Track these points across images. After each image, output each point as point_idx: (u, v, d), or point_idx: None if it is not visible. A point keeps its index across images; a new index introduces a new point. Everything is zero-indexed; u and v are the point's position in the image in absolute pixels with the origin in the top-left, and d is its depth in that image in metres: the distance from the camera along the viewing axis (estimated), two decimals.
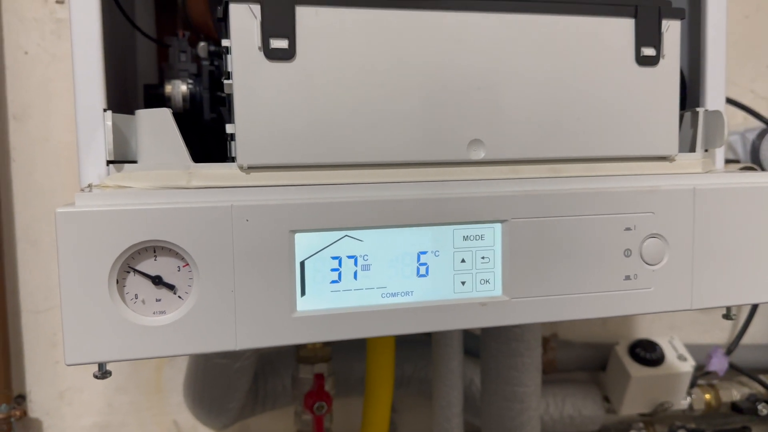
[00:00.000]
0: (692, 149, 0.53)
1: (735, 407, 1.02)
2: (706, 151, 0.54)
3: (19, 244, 0.86)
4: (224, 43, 0.43)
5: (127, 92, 0.64)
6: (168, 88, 0.60)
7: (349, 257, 0.43)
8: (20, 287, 0.86)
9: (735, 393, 1.02)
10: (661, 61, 0.49)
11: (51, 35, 0.85)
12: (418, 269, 0.45)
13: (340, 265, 0.43)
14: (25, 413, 0.87)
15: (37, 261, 0.86)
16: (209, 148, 0.56)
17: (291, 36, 0.42)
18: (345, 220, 0.43)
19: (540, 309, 0.46)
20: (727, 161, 1.01)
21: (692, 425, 1.03)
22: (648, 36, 0.48)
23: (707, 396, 1.01)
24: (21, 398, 0.87)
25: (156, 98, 0.61)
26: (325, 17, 0.43)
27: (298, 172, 0.44)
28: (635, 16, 0.48)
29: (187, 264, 0.41)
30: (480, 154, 0.46)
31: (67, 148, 0.86)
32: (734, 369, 1.03)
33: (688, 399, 1.00)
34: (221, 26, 0.46)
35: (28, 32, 0.84)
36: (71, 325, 0.39)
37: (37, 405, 0.89)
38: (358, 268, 0.44)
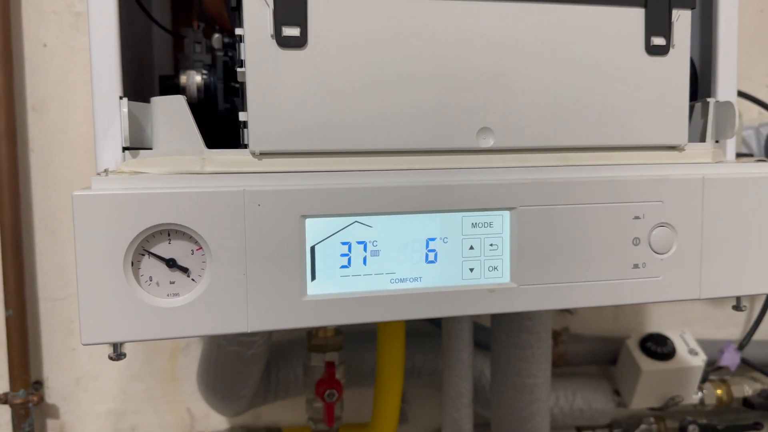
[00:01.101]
0: (703, 140, 0.53)
1: (747, 403, 1.02)
2: (717, 142, 0.54)
3: (37, 233, 0.88)
4: (237, 31, 0.44)
5: (144, 82, 0.66)
6: (183, 79, 0.61)
7: (359, 243, 0.44)
8: (38, 275, 0.88)
9: (747, 388, 1.02)
10: (671, 50, 0.49)
11: (69, 28, 0.86)
12: (426, 255, 0.45)
13: (349, 250, 0.44)
14: (42, 399, 0.88)
15: (55, 250, 0.88)
16: (223, 139, 0.57)
17: (303, 24, 0.43)
18: (355, 206, 0.43)
19: (548, 296, 0.47)
20: (742, 155, 1.01)
21: (703, 420, 1.03)
22: (658, 25, 0.48)
23: (719, 391, 1.01)
24: (38, 384, 0.89)
25: (171, 88, 0.62)
26: (336, 5, 0.44)
27: (309, 159, 0.45)
28: (645, 6, 0.48)
29: (201, 247, 0.42)
30: (489, 142, 0.47)
31: (85, 140, 0.87)
32: (746, 364, 1.03)
33: (700, 394, 1.00)
34: (235, 15, 0.47)
35: (47, 25, 0.86)
36: (87, 306, 0.40)
37: (54, 391, 0.90)
38: (368, 254, 0.44)
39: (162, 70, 0.74)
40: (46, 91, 0.86)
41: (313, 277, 0.43)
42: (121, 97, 0.45)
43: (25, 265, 0.86)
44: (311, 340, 0.80)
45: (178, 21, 0.77)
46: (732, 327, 1.12)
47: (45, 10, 0.85)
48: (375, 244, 0.44)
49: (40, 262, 0.88)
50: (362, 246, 0.44)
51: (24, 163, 0.86)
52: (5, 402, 0.84)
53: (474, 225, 0.46)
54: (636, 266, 0.48)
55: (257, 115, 0.43)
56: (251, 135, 0.43)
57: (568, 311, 1.05)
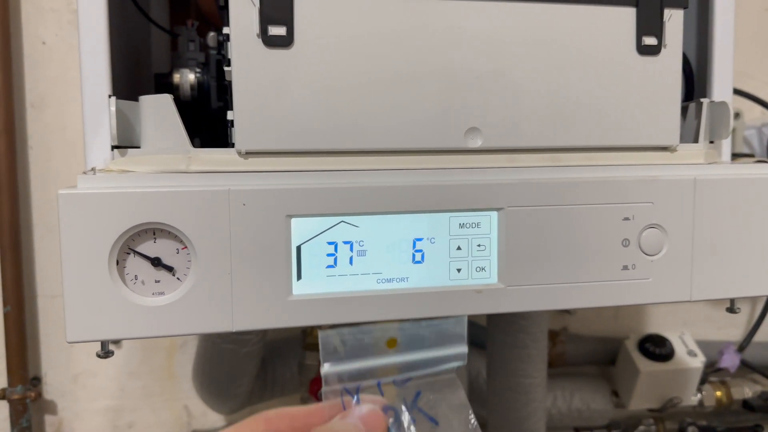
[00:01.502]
0: (696, 140, 0.53)
1: (747, 405, 1.01)
2: (711, 143, 0.54)
3: (35, 230, 0.88)
4: (225, 30, 0.44)
5: (141, 81, 0.66)
6: (176, 77, 0.61)
7: (345, 243, 0.44)
8: (36, 272, 0.88)
9: (747, 390, 1.01)
10: (662, 50, 0.48)
11: (68, 25, 0.86)
12: (413, 256, 0.45)
13: (336, 250, 0.44)
14: (39, 395, 0.89)
15: (53, 247, 0.88)
16: (217, 137, 0.57)
17: (289, 23, 0.43)
18: (341, 206, 0.43)
19: (536, 297, 0.46)
20: (743, 155, 1.00)
21: (703, 422, 1.02)
22: (649, 25, 0.48)
23: (718, 393, 1.01)
24: (36, 380, 0.89)
25: (165, 86, 0.62)
26: (323, 5, 0.44)
27: (295, 158, 0.45)
28: (636, 5, 0.47)
29: (186, 246, 0.42)
30: (477, 142, 0.46)
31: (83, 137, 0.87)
32: (746, 366, 1.02)
33: (699, 395, 1.00)
34: (224, 14, 0.46)
35: (45, 23, 0.86)
36: (72, 304, 0.40)
37: (52, 387, 0.91)
38: (354, 254, 0.44)
39: (161, 68, 0.74)
40: (44, 89, 0.87)
41: (299, 277, 0.43)
42: (110, 96, 0.45)
43: (23, 261, 0.86)
44: (306, 338, 0.80)
45: (176, 19, 0.77)
46: (733, 328, 1.12)
47: (44, 8, 0.86)
48: (361, 244, 0.44)
49: (38, 259, 0.88)
50: (348, 246, 0.44)
51: (23, 160, 0.87)
52: (3, 397, 0.85)
53: (461, 225, 0.45)
54: (625, 268, 0.47)
55: (243, 114, 0.43)
56: (237, 134, 0.43)
57: (566, 311, 1.05)
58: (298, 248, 0.43)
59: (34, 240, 0.88)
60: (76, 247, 0.40)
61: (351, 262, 0.44)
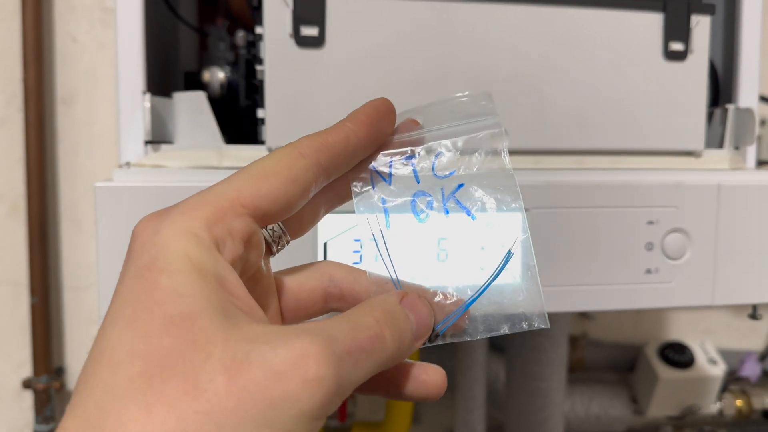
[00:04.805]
0: (721, 146, 0.53)
1: (767, 415, 1.00)
2: (737, 149, 0.54)
3: (63, 223, 0.90)
4: (258, 30, 0.45)
5: (169, 78, 0.67)
6: (206, 75, 0.62)
7: (371, 240, 0.45)
8: (63, 265, 0.90)
9: None
10: (689, 56, 0.49)
11: (99, 23, 0.88)
12: (438, 255, 0.46)
13: (361, 247, 0.44)
14: (63, 385, 0.90)
15: (80, 240, 0.90)
16: (244, 135, 0.58)
17: (321, 24, 0.44)
18: None
19: (558, 299, 0.47)
20: None
21: (723, 431, 1.02)
22: (676, 31, 0.48)
23: (738, 402, 1.00)
24: (60, 371, 0.91)
25: (195, 84, 0.63)
26: (354, 6, 0.44)
27: None
28: (664, 11, 0.48)
29: None
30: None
31: (111, 132, 0.89)
32: None
33: (719, 404, 0.99)
34: (257, 14, 0.47)
35: (77, 21, 0.88)
36: (107, 292, 0.41)
37: (75, 378, 0.93)
38: (379, 251, 0.45)
39: (188, 67, 0.75)
40: (75, 85, 0.88)
41: None
42: (144, 93, 0.46)
43: (50, 254, 0.88)
44: None
45: (204, 18, 0.78)
46: (755, 337, 1.11)
47: (75, 6, 0.88)
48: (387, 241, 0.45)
49: (64, 252, 0.90)
50: (374, 243, 0.45)
51: (52, 154, 0.89)
52: (28, 387, 0.87)
53: (486, 225, 0.46)
54: (648, 271, 0.47)
55: (274, 112, 0.44)
56: (268, 131, 0.44)
57: (587, 316, 1.05)
58: (325, 245, 0.44)
59: (62, 233, 0.90)
60: (111, 238, 0.41)
61: (376, 260, 0.45)
